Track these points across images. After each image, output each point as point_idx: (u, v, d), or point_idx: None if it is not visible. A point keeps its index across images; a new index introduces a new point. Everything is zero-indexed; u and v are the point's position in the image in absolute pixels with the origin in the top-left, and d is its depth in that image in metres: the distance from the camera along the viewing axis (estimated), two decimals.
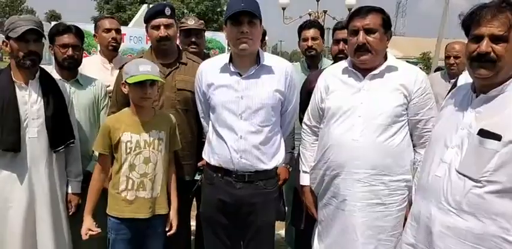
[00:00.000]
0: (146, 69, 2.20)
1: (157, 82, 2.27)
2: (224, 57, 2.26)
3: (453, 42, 4.21)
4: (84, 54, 3.95)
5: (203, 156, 2.35)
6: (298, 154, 2.65)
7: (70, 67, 2.74)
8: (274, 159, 2.26)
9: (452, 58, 4.06)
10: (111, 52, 3.31)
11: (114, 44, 3.28)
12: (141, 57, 2.64)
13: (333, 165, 2.15)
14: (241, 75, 2.20)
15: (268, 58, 2.25)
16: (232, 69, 2.21)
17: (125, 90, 2.28)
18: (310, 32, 3.31)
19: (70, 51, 2.68)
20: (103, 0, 30.58)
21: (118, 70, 2.73)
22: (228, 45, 2.31)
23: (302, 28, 3.39)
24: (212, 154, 2.27)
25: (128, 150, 2.26)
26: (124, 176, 2.27)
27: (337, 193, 2.15)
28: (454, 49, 4.06)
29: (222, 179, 2.24)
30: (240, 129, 2.18)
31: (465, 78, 2.60)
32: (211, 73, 2.26)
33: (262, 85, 2.19)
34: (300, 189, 2.43)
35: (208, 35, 5.68)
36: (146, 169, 2.27)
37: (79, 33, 2.76)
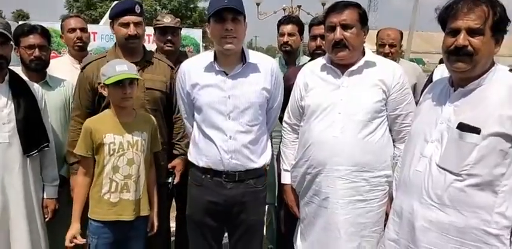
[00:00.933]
0: (123, 68, 2.16)
1: (136, 81, 2.22)
2: (208, 56, 2.20)
3: (386, 28, 3.67)
4: (53, 54, 3.82)
5: (189, 158, 2.29)
6: (278, 153, 2.62)
7: (38, 69, 2.65)
8: (262, 157, 2.23)
9: (387, 46, 3.48)
10: (79, 52, 3.22)
11: (79, 44, 3.19)
12: (104, 56, 2.55)
13: (314, 163, 2.13)
14: (226, 74, 2.15)
15: (253, 55, 2.21)
16: (217, 67, 2.15)
17: (105, 92, 2.22)
18: (287, 28, 3.27)
19: (37, 52, 2.58)
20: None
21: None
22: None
23: (280, 23, 3.35)
24: (200, 155, 2.21)
25: (111, 152, 2.20)
26: (107, 179, 2.21)
27: (319, 190, 2.13)
28: (389, 37, 3.50)
29: (212, 180, 2.19)
30: (228, 129, 2.13)
31: (440, 72, 2.62)
32: (195, 72, 2.19)
33: (249, 84, 2.15)
34: (281, 187, 2.41)
35: (182, 31, 5.60)
36: (130, 171, 2.22)
37: (45, 33, 2.66)
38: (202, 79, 2.16)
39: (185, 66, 2.27)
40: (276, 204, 3.23)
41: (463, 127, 1.61)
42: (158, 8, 28.30)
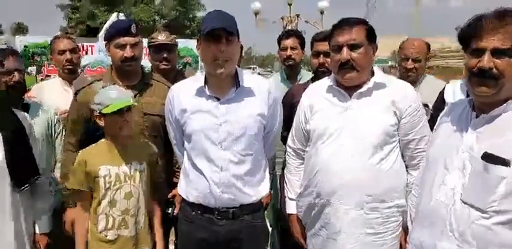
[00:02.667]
0: (119, 95, 2.02)
1: (131, 107, 2.07)
2: (198, 79, 2.04)
3: (411, 39, 3.25)
4: (51, 68, 3.67)
5: (178, 191, 2.12)
6: (281, 175, 2.48)
7: (17, 95, 2.41)
8: (259, 190, 2.05)
9: (410, 61, 3.07)
10: (69, 75, 3.09)
11: (69, 67, 3.05)
12: (100, 79, 2.39)
13: (322, 192, 1.96)
14: (218, 99, 1.98)
15: (247, 78, 2.04)
16: (208, 92, 1.99)
17: (101, 122, 2.06)
18: (289, 42, 3.21)
19: (17, 77, 2.35)
20: (70, 11, 29.85)
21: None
22: None
23: (281, 38, 3.28)
24: (190, 188, 2.03)
25: (107, 185, 2.04)
26: (103, 214, 2.05)
27: (328, 222, 1.97)
28: (413, 50, 3.08)
29: (202, 216, 2.01)
30: (220, 159, 1.95)
31: (452, 89, 2.46)
32: (184, 97, 2.03)
33: (243, 110, 1.98)
34: (287, 217, 2.24)
35: (180, 42, 5.51)
36: (128, 205, 2.06)
37: (18, 55, 2.47)
38: (193, 104, 2.00)
39: (174, 90, 2.11)
40: (278, 228, 3.09)
41: (488, 158, 1.45)
42: (157, 18, 28.34)
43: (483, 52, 1.46)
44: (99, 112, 2.03)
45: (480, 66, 1.46)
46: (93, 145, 2.16)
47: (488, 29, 1.45)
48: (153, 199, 2.22)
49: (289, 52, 3.19)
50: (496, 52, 1.44)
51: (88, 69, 6.80)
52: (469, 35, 1.51)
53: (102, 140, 2.15)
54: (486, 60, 1.45)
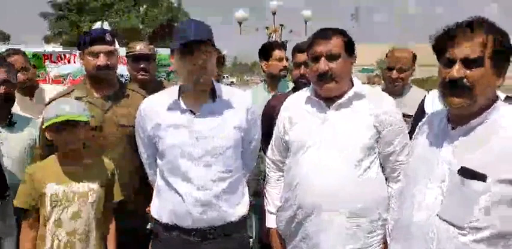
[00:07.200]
0: (64, 110, 1.91)
1: (81, 122, 1.95)
2: (171, 92, 1.96)
3: (396, 49, 3.22)
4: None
5: (151, 212, 2.03)
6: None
7: (5, 106, 2.35)
8: (239, 208, 1.97)
9: (395, 71, 3.02)
10: (25, 91, 3.07)
11: (23, 86, 2.97)
12: (73, 90, 2.32)
13: (302, 205, 1.91)
14: (194, 113, 1.92)
15: (224, 91, 1.98)
16: (183, 106, 1.92)
17: (49, 136, 1.98)
18: (282, 53, 3.28)
19: (2, 89, 2.27)
20: (53, 20, 29.64)
21: (41, 105, 2.43)
22: None
23: (272, 48, 3.30)
24: (163, 209, 1.94)
25: (53, 204, 1.93)
26: (50, 234, 1.94)
27: (308, 235, 1.92)
28: (399, 60, 3.03)
29: (178, 238, 1.91)
30: (198, 178, 1.86)
31: (431, 98, 2.45)
32: (156, 112, 1.95)
33: (221, 124, 1.91)
34: (267, 231, 2.19)
35: (163, 51, 5.49)
36: (75, 226, 1.94)
37: (10, 66, 2.39)
38: (166, 119, 1.92)
39: (145, 104, 2.02)
40: (253, 237, 3.11)
41: (465, 173, 1.42)
42: (141, 26, 28.39)
43: (454, 63, 1.44)
44: (46, 126, 1.94)
45: (450, 76, 1.44)
46: (43, 160, 2.07)
47: (459, 38, 1.43)
48: (109, 224, 2.11)
49: (284, 62, 3.25)
50: (467, 63, 1.42)
51: (70, 78, 6.69)
52: (442, 45, 1.49)
53: (52, 155, 2.05)
54: (456, 70, 1.43)
